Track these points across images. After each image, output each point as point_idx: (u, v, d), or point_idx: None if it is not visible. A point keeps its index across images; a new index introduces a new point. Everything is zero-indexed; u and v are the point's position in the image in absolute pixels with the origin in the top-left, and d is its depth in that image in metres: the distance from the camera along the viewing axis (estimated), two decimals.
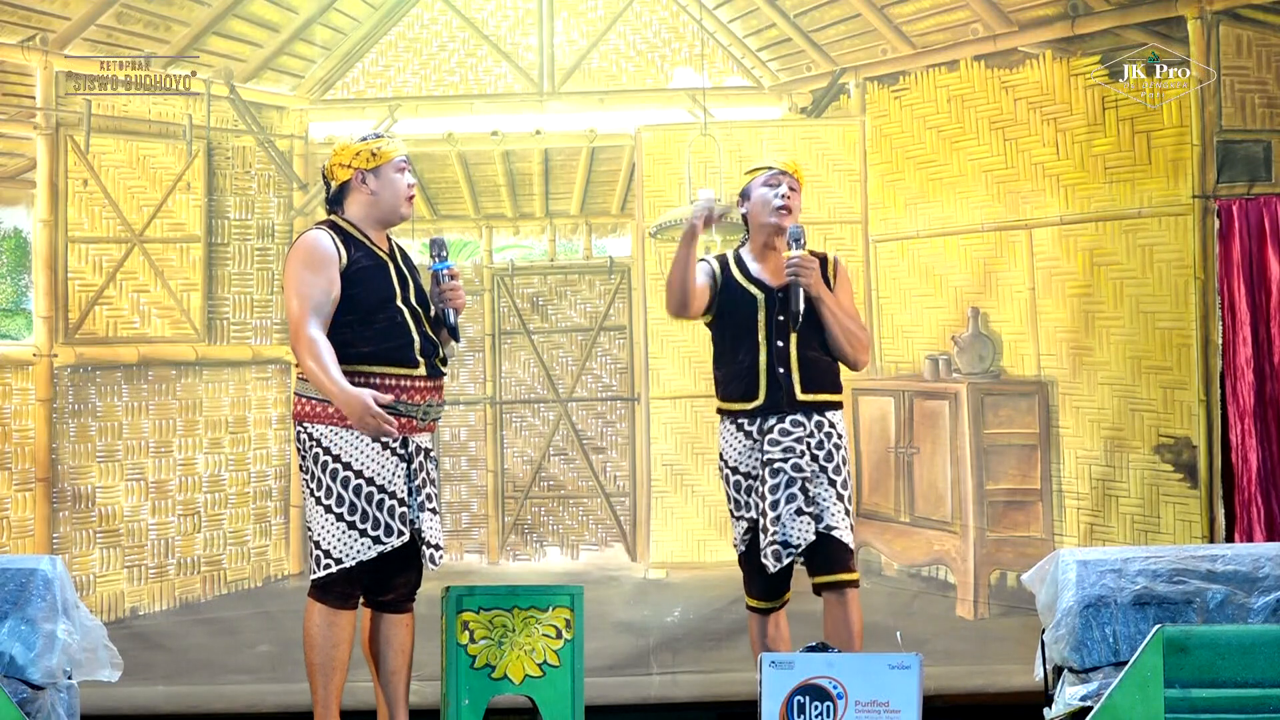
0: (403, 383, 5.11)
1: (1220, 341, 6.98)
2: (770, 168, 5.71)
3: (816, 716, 4.68)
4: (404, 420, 5.11)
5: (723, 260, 5.75)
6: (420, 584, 5.29)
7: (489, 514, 7.28)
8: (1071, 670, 4.93)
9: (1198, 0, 7.07)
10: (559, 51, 7.35)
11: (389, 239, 5.29)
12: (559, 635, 5.33)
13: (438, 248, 5.28)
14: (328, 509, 5.07)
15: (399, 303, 5.15)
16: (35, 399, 7.08)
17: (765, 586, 5.59)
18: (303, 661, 5.17)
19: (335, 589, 5.09)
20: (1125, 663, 4.62)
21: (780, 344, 5.58)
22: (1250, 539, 6.81)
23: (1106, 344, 7.09)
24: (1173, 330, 7.04)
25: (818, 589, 5.55)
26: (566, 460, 7.32)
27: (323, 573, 5.09)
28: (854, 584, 5.52)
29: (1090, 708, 4.65)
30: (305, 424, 5.12)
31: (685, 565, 7.20)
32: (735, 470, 5.62)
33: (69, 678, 5.01)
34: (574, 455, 7.32)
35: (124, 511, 7.09)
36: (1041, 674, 5.13)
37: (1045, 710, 5.05)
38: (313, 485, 5.11)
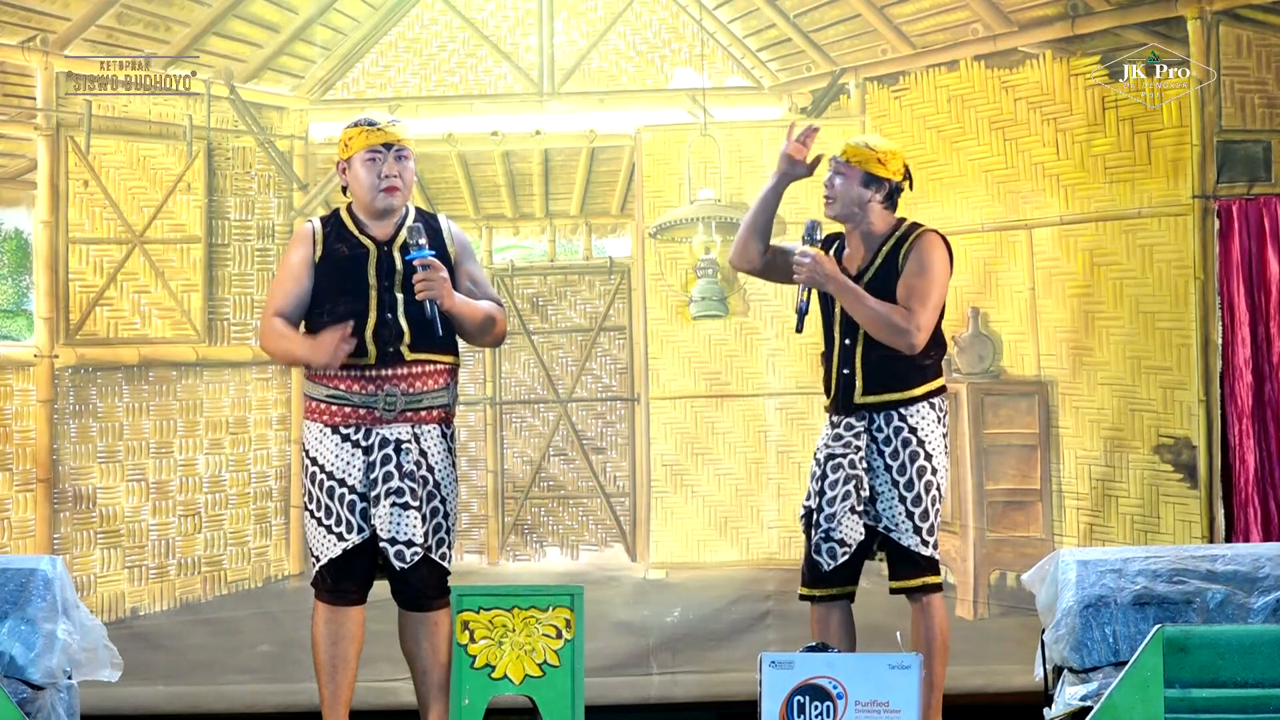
0: (351, 372, 5.04)
1: (1220, 341, 6.99)
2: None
3: (816, 716, 4.68)
4: (364, 411, 5.05)
5: (826, 242, 5.42)
6: (440, 581, 5.11)
7: (489, 514, 7.28)
8: (1071, 670, 4.93)
9: (1198, 0, 7.08)
10: (559, 52, 7.35)
11: (404, 222, 5.15)
12: (559, 635, 5.33)
13: (413, 235, 5.09)
14: (305, 507, 5.11)
15: (371, 291, 5.07)
16: (36, 400, 7.08)
17: (810, 573, 5.33)
18: (303, 661, 5.18)
19: (328, 586, 5.08)
20: (1125, 663, 4.62)
21: (847, 342, 5.30)
22: (1248, 540, 6.81)
23: (1106, 344, 7.08)
24: (1172, 330, 7.04)
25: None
26: (566, 460, 7.32)
27: (313, 572, 5.11)
28: (927, 589, 5.26)
29: (1090, 708, 4.65)
30: (304, 422, 5.15)
31: (685, 565, 7.19)
32: (814, 456, 5.38)
33: (69, 678, 5.01)
34: (574, 455, 7.32)
35: (124, 512, 7.09)
36: (1041, 674, 5.13)
37: (1045, 710, 5.06)
38: (301, 487, 5.15)
